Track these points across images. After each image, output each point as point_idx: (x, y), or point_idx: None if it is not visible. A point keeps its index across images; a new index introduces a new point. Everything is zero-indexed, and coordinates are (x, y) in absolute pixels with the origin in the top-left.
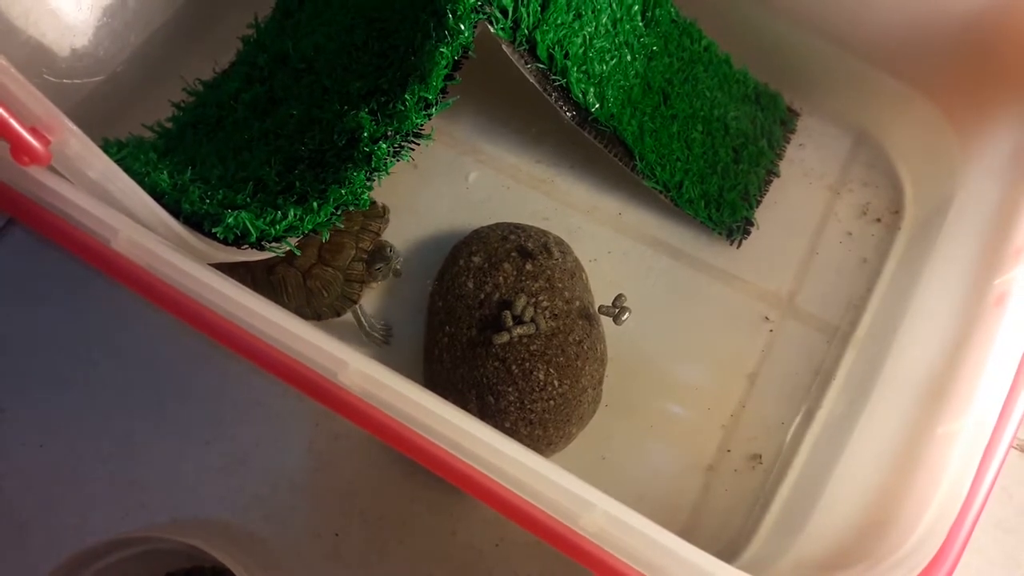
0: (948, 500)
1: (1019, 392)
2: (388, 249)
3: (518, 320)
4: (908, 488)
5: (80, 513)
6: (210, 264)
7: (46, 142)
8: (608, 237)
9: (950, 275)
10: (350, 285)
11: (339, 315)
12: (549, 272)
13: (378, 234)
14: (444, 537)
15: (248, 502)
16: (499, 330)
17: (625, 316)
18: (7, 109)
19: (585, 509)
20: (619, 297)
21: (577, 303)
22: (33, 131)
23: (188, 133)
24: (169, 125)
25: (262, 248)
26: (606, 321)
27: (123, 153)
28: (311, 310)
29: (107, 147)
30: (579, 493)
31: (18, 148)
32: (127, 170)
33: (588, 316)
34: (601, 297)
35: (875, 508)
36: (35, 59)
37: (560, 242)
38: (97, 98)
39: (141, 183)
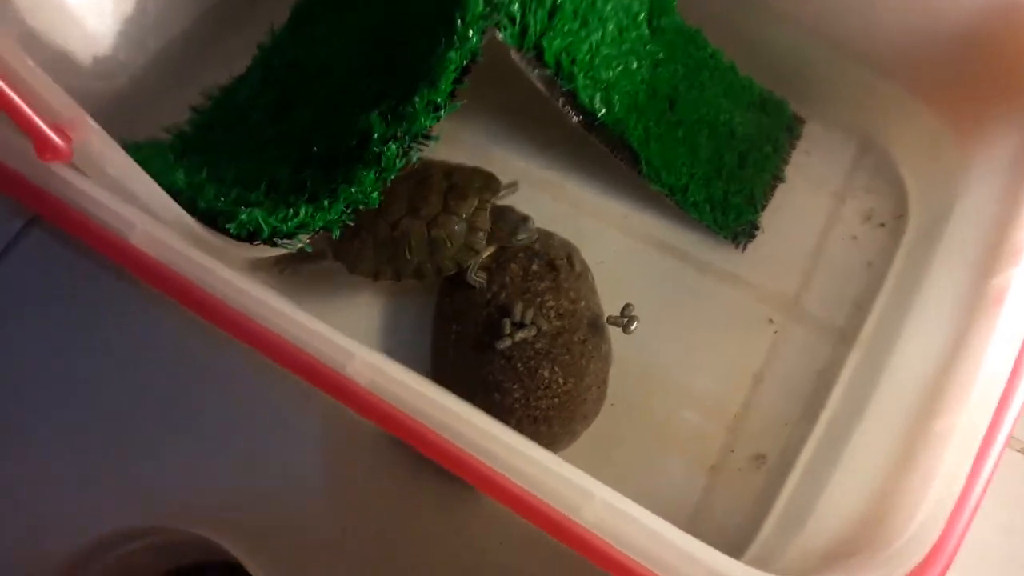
0: (946, 489)
1: (1016, 385)
2: (529, 221)
3: (518, 325)
4: (908, 480)
5: (91, 511)
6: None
7: (68, 139)
8: (615, 239)
9: (952, 277)
10: (474, 234)
11: (460, 267)
12: (555, 272)
13: (498, 192)
14: (449, 536)
15: (257, 499)
16: (500, 336)
17: (634, 326)
18: (31, 107)
19: (585, 499)
20: (627, 307)
21: (583, 303)
22: (56, 128)
23: (204, 135)
24: (186, 128)
25: (274, 244)
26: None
27: (141, 154)
28: (432, 264)
29: (125, 148)
30: (578, 482)
31: (41, 145)
32: (145, 170)
33: (594, 315)
34: (607, 297)
35: (877, 501)
36: (58, 64)
37: (566, 243)
38: (117, 102)
39: (158, 182)
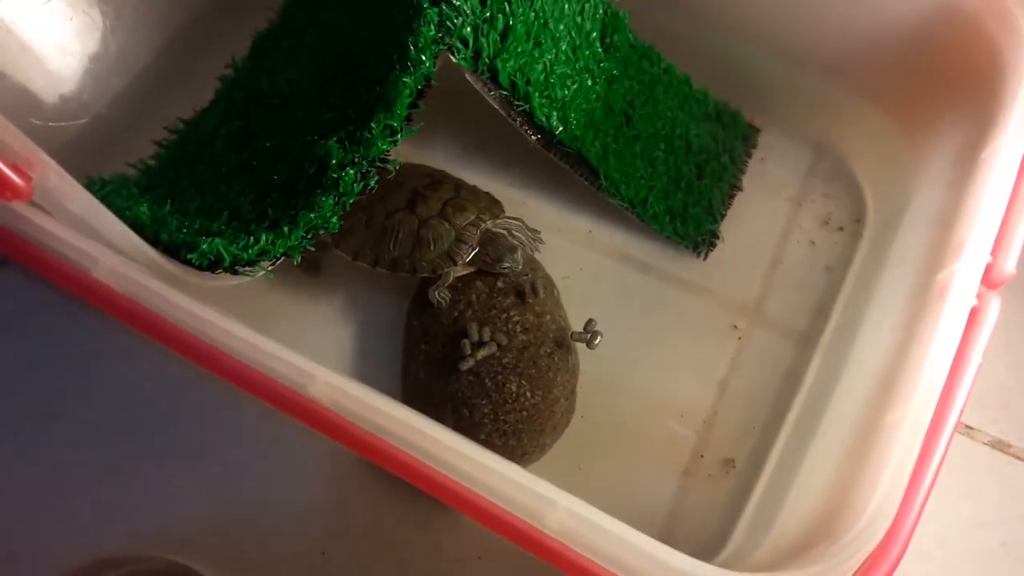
0: (898, 476)
1: (959, 374)
2: (517, 251)
3: (479, 343)
4: (863, 471)
5: (69, 541)
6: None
7: (27, 178)
8: (579, 254)
9: (905, 275)
10: (458, 245)
11: (435, 272)
12: (520, 288)
13: (497, 218)
14: (428, 551)
15: (234, 524)
16: (462, 358)
17: (598, 340)
18: None
19: (548, 507)
20: (590, 322)
21: (548, 317)
22: (15, 168)
23: (169, 169)
24: (152, 162)
25: (236, 272)
26: None
27: (107, 190)
28: (410, 261)
29: (91, 185)
30: (540, 491)
31: (1, 185)
32: (110, 206)
33: (560, 329)
34: (573, 311)
35: (836, 493)
36: (22, 104)
37: (530, 259)
38: (83, 139)
39: (123, 217)
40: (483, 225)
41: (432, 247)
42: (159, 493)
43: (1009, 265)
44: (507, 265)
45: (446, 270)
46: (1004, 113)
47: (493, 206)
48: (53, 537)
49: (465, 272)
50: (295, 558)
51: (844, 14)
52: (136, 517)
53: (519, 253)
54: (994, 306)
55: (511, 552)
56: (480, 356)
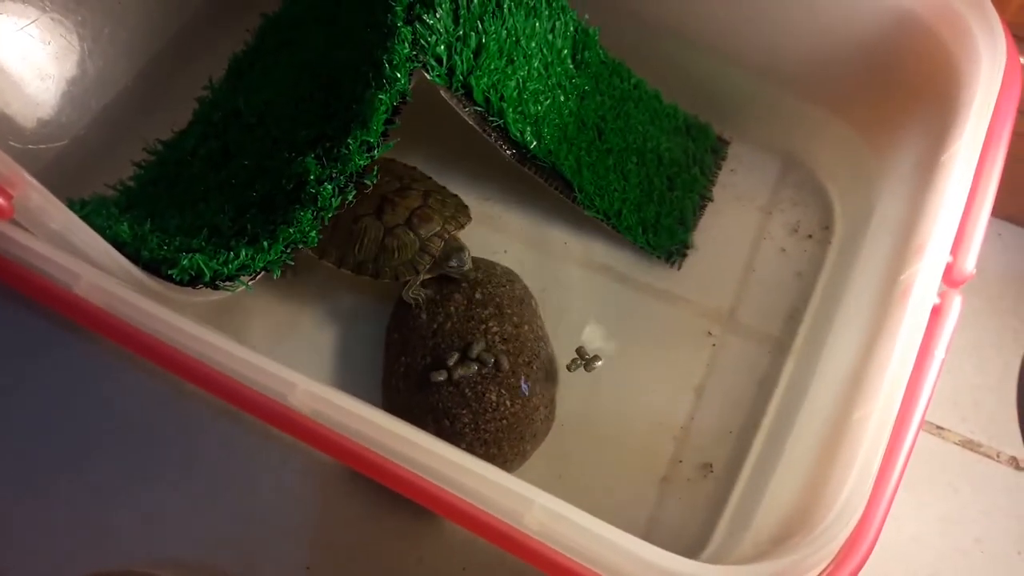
0: (866, 467)
1: (923, 369)
2: (464, 252)
3: (461, 359)
4: (834, 465)
5: (55, 560)
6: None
7: (8, 196)
8: (556, 266)
9: (871, 278)
10: (421, 255)
11: (397, 279)
12: (498, 300)
13: (462, 227)
14: (412, 564)
15: (219, 541)
16: (438, 368)
17: (599, 363)
18: None
19: (526, 507)
20: (579, 350)
21: (526, 327)
22: None
23: (148, 189)
24: (131, 183)
25: (216, 287)
26: (557, 346)
27: (87, 210)
28: (374, 266)
29: (71, 206)
30: (517, 490)
31: None
32: (91, 225)
33: (537, 339)
34: (551, 322)
35: (810, 488)
36: (0, 127)
37: (508, 272)
38: (62, 162)
39: (103, 235)
40: (447, 236)
41: (396, 256)
42: (143, 509)
43: (969, 264)
44: (453, 264)
45: (408, 278)
46: (960, 119)
47: (459, 214)
48: (37, 556)
49: (427, 276)
50: (279, 574)
51: (807, 29)
52: (120, 533)
53: (466, 253)
54: (956, 303)
55: (495, 564)
56: (457, 376)
